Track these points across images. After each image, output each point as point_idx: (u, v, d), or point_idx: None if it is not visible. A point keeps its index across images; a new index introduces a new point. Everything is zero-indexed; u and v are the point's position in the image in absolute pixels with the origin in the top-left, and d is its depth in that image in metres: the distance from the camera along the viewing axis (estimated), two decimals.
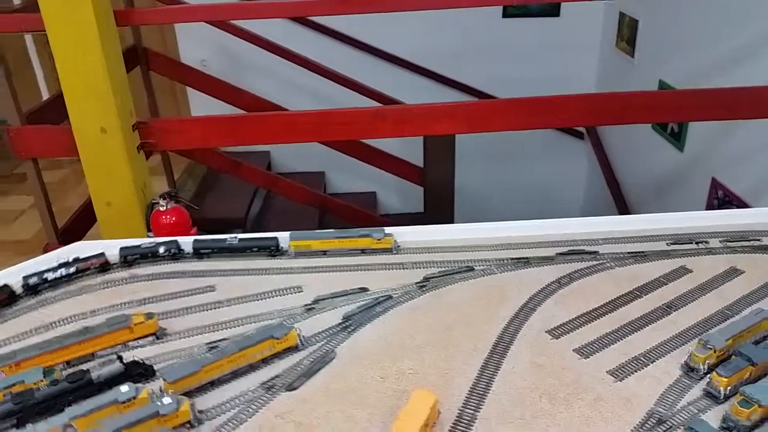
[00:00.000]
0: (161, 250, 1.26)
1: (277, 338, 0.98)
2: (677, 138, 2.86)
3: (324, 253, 1.28)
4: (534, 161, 4.41)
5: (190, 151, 3.17)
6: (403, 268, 1.23)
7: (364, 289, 1.17)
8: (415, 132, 1.71)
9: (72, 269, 1.22)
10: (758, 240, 1.26)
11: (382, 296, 1.14)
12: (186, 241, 1.29)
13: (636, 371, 0.94)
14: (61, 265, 1.22)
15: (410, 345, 1.01)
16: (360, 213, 3.08)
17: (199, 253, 1.28)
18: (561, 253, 1.26)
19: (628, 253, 1.24)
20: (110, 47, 1.63)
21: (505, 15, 3.93)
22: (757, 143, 2.26)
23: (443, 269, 1.21)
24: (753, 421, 0.80)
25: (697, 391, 0.89)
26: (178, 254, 1.27)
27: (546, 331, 1.03)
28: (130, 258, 1.26)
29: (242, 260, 1.27)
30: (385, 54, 4.05)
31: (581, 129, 4.23)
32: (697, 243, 1.26)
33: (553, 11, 3.90)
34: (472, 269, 1.22)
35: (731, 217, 1.33)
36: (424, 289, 1.17)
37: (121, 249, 1.27)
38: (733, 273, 1.17)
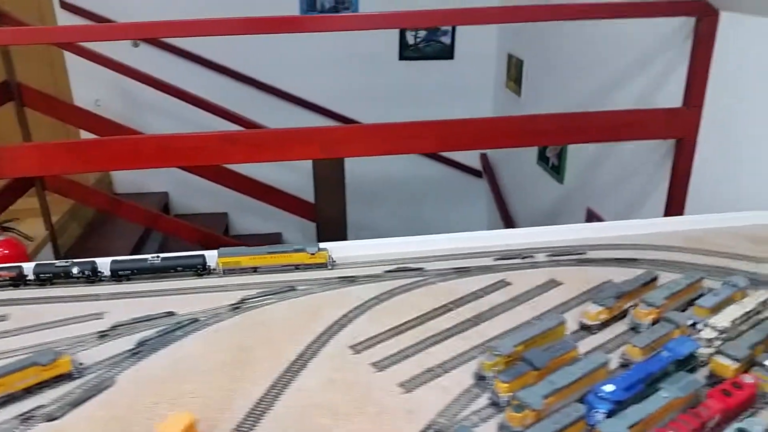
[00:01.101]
0: (75, 270, 1.17)
1: (43, 365, 0.89)
2: (557, 171, 2.95)
3: (255, 269, 1.22)
4: (439, 201, 4.46)
5: (67, 189, 3.02)
6: (222, 291, 1.16)
7: (170, 314, 1.09)
8: (269, 157, 1.67)
9: None
10: (583, 254, 1.27)
11: (186, 320, 1.07)
12: (103, 262, 1.20)
13: (427, 382, 0.90)
14: None
15: (200, 368, 0.94)
16: None
17: (117, 275, 1.19)
18: (388, 271, 1.22)
19: (453, 269, 1.22)
20: None
21: (402, 58, 4.02)
22: (622, 173, 2.35)
23: (262, 290, 1.15)
24: (526, 426, 0.77)
25: (485, 399, 0.86)
26: (93, 276, 1.18)
27: (349, 346, 0.98)
28: (43, 276, 1.18)
29: (42, 289, 1.17)
30: (284, 94, 4.04)
31: (479, 167, 4.32)
32: (523, 258, 1.26)
33: (447, 54, 4.02)
34: (293, 288, 1.16)
35: (559, 233, 1.34)
36: (237, 310, 1.10)
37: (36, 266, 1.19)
38: (551, 285, 1.16)
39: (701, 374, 0.89)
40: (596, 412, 0.77)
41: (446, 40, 3.97)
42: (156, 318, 1.08)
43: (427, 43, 3.98)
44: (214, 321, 1.07)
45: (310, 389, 0.89)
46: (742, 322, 0.95)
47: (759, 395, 0.82)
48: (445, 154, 4.32)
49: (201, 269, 1.21)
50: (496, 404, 0.83)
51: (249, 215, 4.33)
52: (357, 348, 0.98)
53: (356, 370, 0.93)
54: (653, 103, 2.05)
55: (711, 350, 0.90)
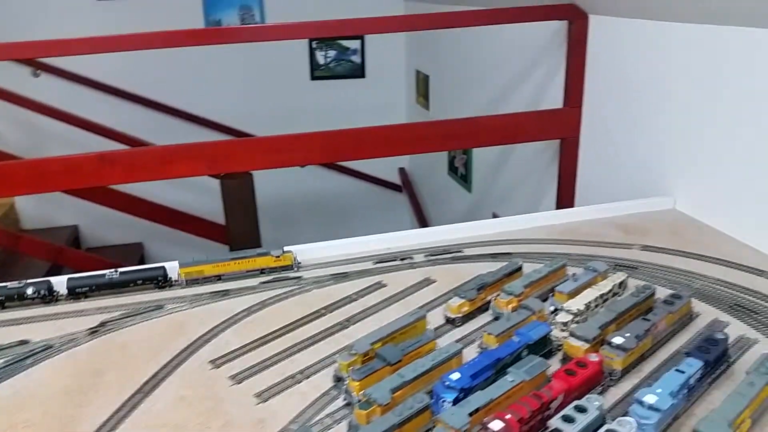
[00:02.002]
0: (29, 291, 1.11)
1: None
2: (465, 180, 3.00)
3: (218, 278, 1.19)
4: (363, 217, 4.45)
5: None
6: (80, 316, 1.10)
7: (23, 342, 1.02)
8: (152, 176, 1.61)
9: None
10: (459, 252, 1.28)
11: (39, 347, 1.00)
12: (59, 281, 1.15)
13: (285, 390, 0.87)
14: None
15: (42, 396, 0.88)
16: None
17: (75, 293, 1.13)
18: (264, 282, 1.19)
19: (331, 275, 1.20)
20: None
21: (313, 77, 4.03)
22: (519, 176, 2.41)
23: (123, 312, 1.10)
24: (373, 422, 0.75)
25: (341, 401, 0.84)
26: (49, 296, 1.12)
27: (210, 361, 0.94)
28: None
29: None
30: (197, 118, 3.97)
31: (399, 182, 4.36)
32: (401, 260, 1.26)
33: (358, 73, 4.06)
34: (160, 307, 1.12)
35: (438, 234, 1.35)
36: (95, 334, 1.04)
37: None
38: (425, 283, 1.16)
39: (558, 357, 0.90)
40: (443, 401, 0.76)
41: (356, 59, 4.01)
42: (7, 347, 1.01)
43: (338, 62, 4.00)
44: (69, 346, 1.00)
45: (158, 409, 0.84)
46: (597, 304, 0.98)
47: (607, 373, 0.83)
48: (365, 170, 4.34)
49: (162, 281, 1.17)
50: (350, 404, 0.81)
51: (165, 244, 4.19)
52: (217, 362, 0.94)
53: (211, 385, 0.89)
54: (541, 106, 2.11)
55: (566, 333, 0.91)
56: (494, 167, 2.65)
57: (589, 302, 0.96)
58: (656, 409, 0.71)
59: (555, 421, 0.70)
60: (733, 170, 1.33)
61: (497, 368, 0.82)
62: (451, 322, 1.01)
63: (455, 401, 0.76)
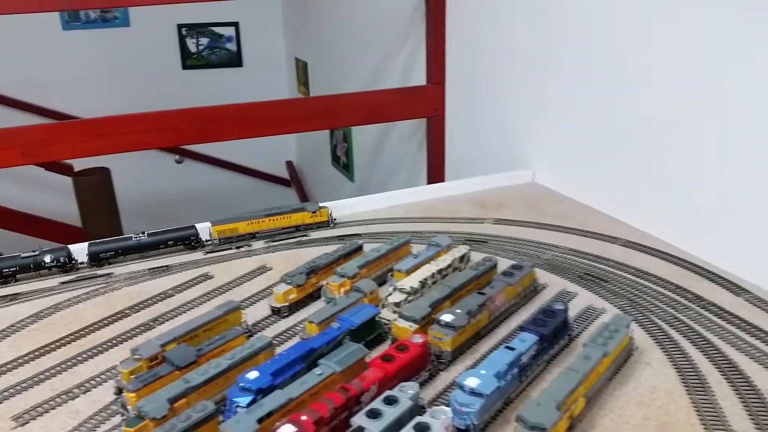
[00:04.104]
0: (47, 259, 1.03)
1: None
2: (347, 169, 2.89)
3: (253, 236, 1.13)
4: None
5: None
6: None
7: None
8: None
9: None
10: (305, 235, 1.16)
11: None
12: (79, 248, 1.06)
13: (53, 409, 0.70)
14: None
15: None
16: None
17: (98, 258, 1.05)
18: (65, 282, 1.01)
19: (149, 269, 1.04)
20: None
21: (185, 67, 3.78)
22: (394, 160, 2.33)
23: None
24: None
25: (120, 417, 0.68)
26: (69, 265, 1.04)
27: None
28: (6, 272, 1.01)
29: None
30: (56, 114, 3.60)
31: (287, 176, 4.20)
32: (237, 248, 1.11)
33: (236, 62, 3.85)
34: None
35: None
36: None
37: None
38: (259, 272, 1.02)
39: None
40: (236, 406, 0.63)
41: (231, 46, 3.80)
42: None
43: (212, 50, 3.77)
44: None
45: None
46: (435, 281, 0.88)
47: (435, 356, 0.73)
48: (251, 165, 4.14)
49: (194, 242, 1.11)
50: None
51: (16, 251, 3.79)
52: None
53: None
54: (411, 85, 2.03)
55: (396, 315, 0.80)
56: (372, 154, 2.56)
57: (425, 279, 0.86)
58: (478, 394, 0.62)
59: (358, 418, 0.58)
60: (588, 140, 1.28)
61: (309, 361, 0.70)
62: (276, 313, 0.88)
63: (250, 405, 0.63)
